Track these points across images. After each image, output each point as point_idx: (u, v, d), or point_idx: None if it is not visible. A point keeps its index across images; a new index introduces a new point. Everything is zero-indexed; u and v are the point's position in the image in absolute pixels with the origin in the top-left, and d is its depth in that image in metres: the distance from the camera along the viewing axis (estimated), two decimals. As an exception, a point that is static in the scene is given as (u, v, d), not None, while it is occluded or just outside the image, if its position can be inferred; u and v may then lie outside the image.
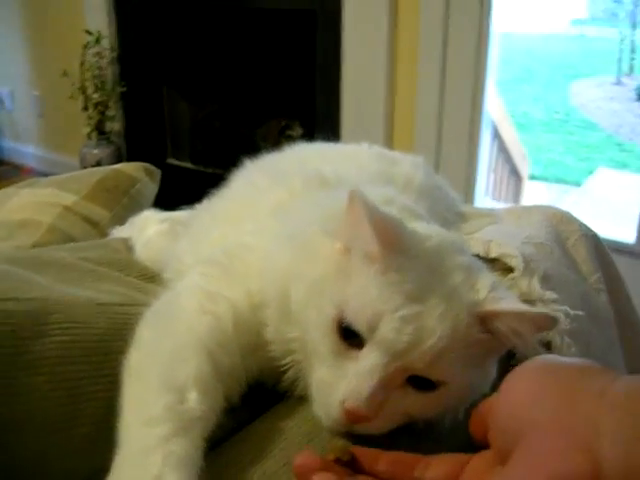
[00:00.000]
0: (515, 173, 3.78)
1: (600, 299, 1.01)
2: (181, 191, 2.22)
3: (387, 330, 0.61)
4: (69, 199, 1.44)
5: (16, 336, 0.63)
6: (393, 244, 0.64)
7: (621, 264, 1.15)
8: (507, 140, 3.53)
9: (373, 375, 0.61)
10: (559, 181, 5.04)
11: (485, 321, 0.65)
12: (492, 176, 3.34)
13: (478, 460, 0.58)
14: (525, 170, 3.92)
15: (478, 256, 0.92)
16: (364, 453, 0.62)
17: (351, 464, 0.61)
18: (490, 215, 1.13)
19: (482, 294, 0.66)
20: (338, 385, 0.63)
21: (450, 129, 2.72)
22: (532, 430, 0.50)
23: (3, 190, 1.54)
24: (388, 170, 0.99)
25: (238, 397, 0.69)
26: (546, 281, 0.89)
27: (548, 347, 0.84)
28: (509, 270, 0.91)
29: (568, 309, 0.85)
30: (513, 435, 0.52)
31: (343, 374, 0.63)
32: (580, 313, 0.85)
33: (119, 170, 1.56)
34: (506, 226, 1.06)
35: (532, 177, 4.33)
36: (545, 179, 4.97)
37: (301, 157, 1.02)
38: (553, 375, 0.54)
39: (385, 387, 0.62)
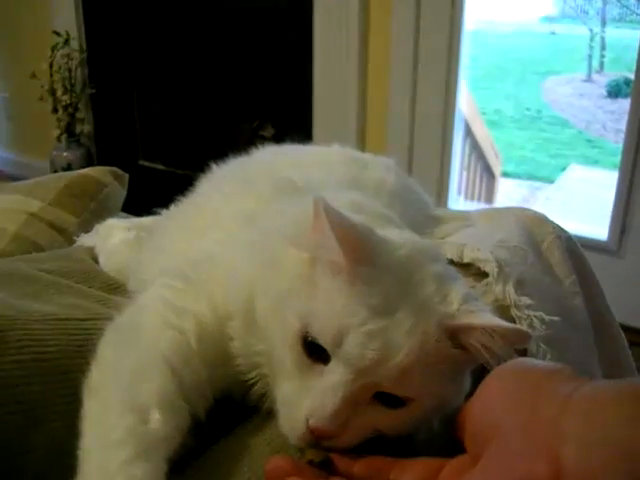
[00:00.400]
0: (488, 171, 3.79)
1: (575, 302, 0.99)
2: (153, 193, 2.19)
3: (352, 345, 0.59)
4: (35, 205, 1.41)
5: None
6: (359, 254, 0.61)
7: (593, 261, 1.13)
8: (479, 138, 3.53)
9: (337, 392, 0.59)
10: (531, 178, 5.06)
11: (455, 335, 0.63)
12: (465, 174, 3.34)
13: (454, 464, 0.57)
14: (498, 168, 3.93)
15: (452, 261, 0.90)
16: (339, 456, 0.61)
17: (326, 466, 0.60)
18: (463, 218, 1.11)
19: (454, 307, 0.63)
20: (302, 401, 0.61)
21: (423, 127, 2.71)
22: (498, 434, 0.50)
23: (-36, 199, 1.50)
24: (359, 174, 0.97)
25: (204, 413, 0.67)
26: (520, 286, 0.88)
27: (524, 354, 0.83)
28: (483, 275, 0.89)
29: (543, 315, 0.84)
30: (482, 438, 0.51)
31: (308, 390, 0.62)
32: (555, 319, 0.83)
33: (86, 175, 1.53)
34: (480, 229, 1.05)
35: (504, 174, 4.35)
36: (517, 176, 4.98)
37: (269, 162, 1.00)
38: (522, 379, 0.54)
39: (350, 404, 0.60)
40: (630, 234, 2.51)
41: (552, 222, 1.08)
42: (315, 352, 0.61)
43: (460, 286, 0.67)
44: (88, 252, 1.06)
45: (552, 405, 0.48)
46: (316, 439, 0.60)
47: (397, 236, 0.68)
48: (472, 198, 3.58)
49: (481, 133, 3.57)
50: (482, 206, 3.47)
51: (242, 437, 0.67)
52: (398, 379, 0.60)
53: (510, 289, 0.86)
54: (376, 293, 0.61)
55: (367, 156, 1.09)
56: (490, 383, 0.55)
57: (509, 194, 4.29)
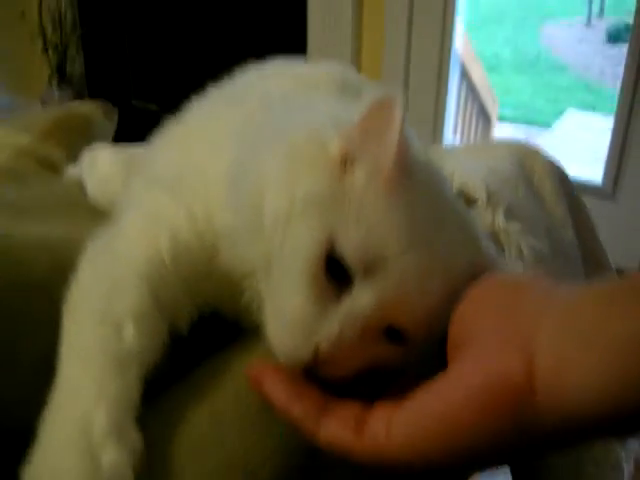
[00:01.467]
0: (484, 114, 3.75)
1: (566, 234, 0.99)
2: (146, 133, 2.15)
3: (387, 276, 0.54)
4: (23, 140, 1.39)
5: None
6: (411, 169, 0.56)
7: (588, 205, 1.13)
8: (476, 81, 3.48)
9: (357, 321, 0.54)
10: (528, 122, 5.02)
11: (480, 272, 0.57)
12: (460, 117, 3.31)
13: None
14: (494, 111, 3.89)
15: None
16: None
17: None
18: (450, 152, 1.10)
19: (479, 242, 0.60)
20: (312, 322, 0.55)
21: (418, 69, 2.67)
22: (475, 336, 0.50)
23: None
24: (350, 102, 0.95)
25: (186, 328, 0.66)
26: (511, 213, 0.87)
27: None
28: (472, 202, 0.88)
29: (533, 241, 0.83)
30: (460, 344, 0.51)
31: (320, 312, 0.55)
32: (544, 246, 0.83)
33: (75, 109, 1.51)
34: (469, 159, 1.04)
35: (501, 118, 4.32)
36: (514, 120, 4.95)
37: (254, 78, 0.96)
38: (502, 286, 0.54)
39: (366, 335, 0.55)
40: (625, 178, 2.50)
41: (544, 154, 1.07)
42: (335, 272, 0.55)
43: (477, 222, 0.64)
44: (74, 180, 1.04)
45: (530, 304, 0.48)
46: (319, 363, 0.55)
47: (418, 154, 0.61)
48: (467, 141, 3.55)
49: (478, 77, 3.52)
50: (478, 150, 3.44)
51: (227, 358, 0.67)
52: (420, 319, 0.56)
53: (499, 216, 0.86)
54: (416, 218, 0.55)
55: (363, 80, 1.04)
56: (470, 293, 0.55)
57: (505, 138, 4.26)
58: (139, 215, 0.70)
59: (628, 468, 1.04)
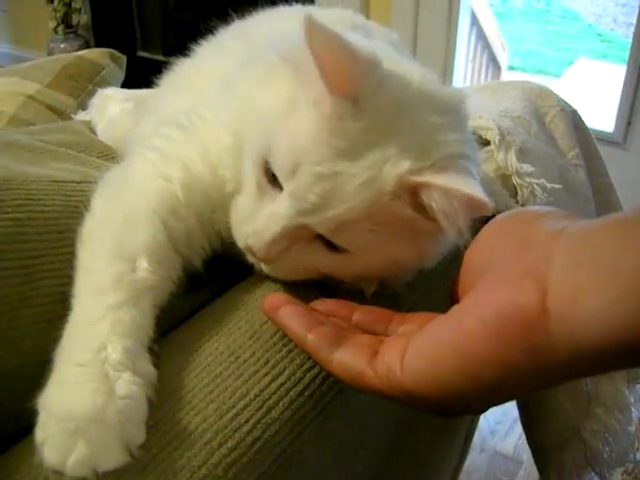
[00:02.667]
0: (494, 62, 3.70)
1: (578, 175, 0.99)
2: (152, 84, 2.14)
3: (299, 183, 0.58)
4: (32, 88, 1.39)
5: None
6: (346, 86, 0.56)
7: (601, 153, 1.12)
8: (486, 29, 3.43)
9: (278, 222, 0.60)
10: (538, 72, 4.95)
11: (416, 194, 0.57)
12: (470, 65, 3.27)
13: None
14: (504, 60, 3.84)
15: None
16: (341, 302, 0.62)
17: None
18: (463, 92, 1.08)
19: (427, 162, 0.57)
20: (250, 218, 0.63)
21: (427, 15, 2.62)
22: (489, 268, 0.50)
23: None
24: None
25: (200, 263, 0.67)
26: (523, 155, 0.87)
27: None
28: (485, 144, 0.88)
29: (545, 182, 0.83)
30: (473, 278, 0.51)
31: (257, 210, 0.62)
32: (557, 186, 0.83)
33: (84, 57, 1.50)
34: (481, 99, 1.03)
35: (511, 68, 4.26)
36: (524, 70, 4.89)
37: (270, 21, 0.95)
38: (516, 220, 0.54)
39: (290, 235, 0.60)
40: (636, 126, 2.49)
41: (557, 95, 1.06)
42: (272, 177, 0.61)
43: (454, 143, 0.60)
44: (85, 125, 1.03)
45: (543, 235, 0.48)
46: (256, 257, 0.63)
47: (411, 71, 0.62)
48: (477, 91, 3.51)
49: (488, 24, 3.47)
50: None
51: (240, 293, 0.68)
52: (335, 229, 0.59)
53: (512, 157, 0.85)
54: (346, 134, 0.56)
55: (371, 24, 1.05)
56: (485, 229, 0.55)
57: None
58: (151, 151, 0.70)
59: (637, 410, 1.05)
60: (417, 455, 0.91)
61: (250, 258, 0.64)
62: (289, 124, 0.59)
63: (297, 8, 1.03)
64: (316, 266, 0.63)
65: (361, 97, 0.56)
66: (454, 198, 0.55)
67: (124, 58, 1.54)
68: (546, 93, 1.05)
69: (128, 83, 1.56)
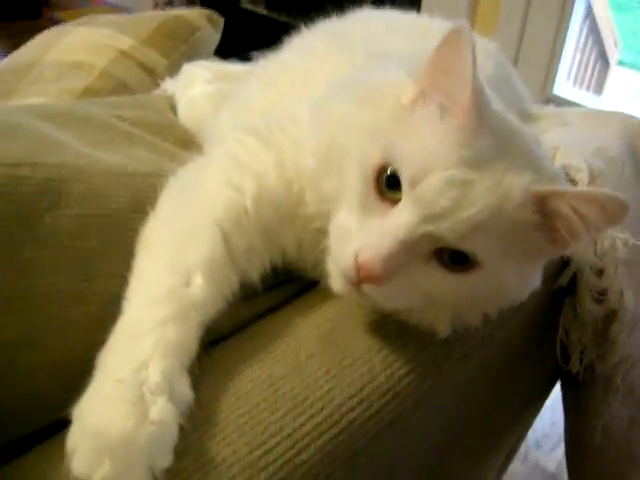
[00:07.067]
0: (603, 57, 3.55)
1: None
2: (253, 37, 2.13)
3: (429, 187, 0.56)
4: (126, 43, 1.39)
5: (29, 207, 0.59)
6: (481, 105, 0.58)
7: None
8: (600, 21, 3.29)
9: (398, 233, 0.56)
10: (650, 71, 4.73)
11: (544, 201, 0.59)
12: (577, 58, 3.14)
13: None
14: (614, 56, 3.67)
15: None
16: None
17: None
18: (560, 116, 1.03)
19: (544, 176, 0.60)
20: (358, 235, 0.59)
21: (539, 3, 2.51)
22: None
23: (55, 28, 1.49)
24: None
25: (258, 278, 0.66)
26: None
27: (600, 275, 0.79)
28: (573, 183, 0.84)
29: (629, 237, 0.78)
30: None
31: (367, 226, 0.59)
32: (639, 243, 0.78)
33: (181, 16, 1.49)
34: (577, 131, 0.98)
35: (621, 63, 4.06)
36: (636, 67, 4.67)
37: (366, 26, 0.93)
38: None
39: (408, 251, 0.57)
40: None
41: (659, 134, 1.00)
42: (390, 186, 0.59)
43: (553, 164, 0.65)
44: (168, 102, 1.03)
45: None
46: (360, 277, 0.57)
47: (502, 110, 0.65)
48: (581, 85, 3.37)
49: (603, 16, 3.31)
50: (590, 95, 3.28)
51: (291, 316, 0.67)
52: (464, 234, 0.57)
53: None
54: (473, 146, 0.57)
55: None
56: None
57: (621, 85, 4.03)
58: (226, 157, 0.69)
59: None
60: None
61: (343, 282, 0.60)
62: (416, 133, 0.59)
63: (391, 13, 1.00)
64: (428, 288, 0.60)
65: (484, 119, 0.58)
66: (592, 201, 0.57)
67: (221, 21, 1.53)
68: (647, 131, 0.99)
69: (229, 33, 1.55)
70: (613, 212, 0.57)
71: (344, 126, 0.63)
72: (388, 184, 0.59)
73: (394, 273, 0.57)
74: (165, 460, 0.50)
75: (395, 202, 0.58)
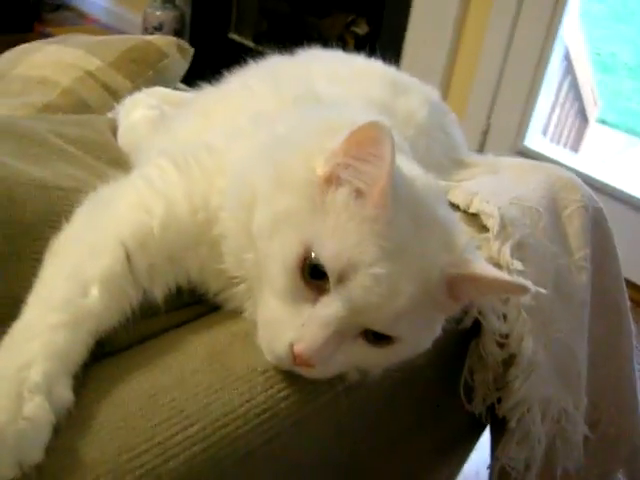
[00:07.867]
0: (582, 115, 3.61)
1: (579, 278, 0.96)
2: (239, 68, 2.14)
3: (357, 286, 0.60)
4: (93, 64, 1.41)
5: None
6: (396, 193, 0.61)
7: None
8: (580, 79, 3.35)
9: (330, 325, 0.61)
10: (630, 132, 4.79)
11: (455, 284, 0.64)
12: (556, 114, 3.19)
13: None
14: (593, 113, 3.73)
15: (458, 207, 0.88)
16: None
17: None
18: (490, 165, 1.07)
19: (456, 254, 0.65)
20: (290, 325, 0.62)
21: (518, 53, 2.55)
22: None
23: (29, 44, 1.52)
24: (392, 99, 0.94)
25: (161, 297, 0.69)
26: (519, 249, 0.85)
27: (504, 319, 0.82)
28: (484, 229, 0.87)
29: (531, 285, 0.81)
30: None
31: (297, 315, 0.62)
32: (543, 291, 0.80)
33: (151, 42, 1.52)
34: (501, 180, 1.01)
35: (602, 121, 4.13)
36: (615, 126, 4.73)
37: (306, 67, 0.97)
38: None
39: (338, 338, 0.62)
40: None
41: (584, 189, 1.03)
42: (315, 277, 0.61)
43: (461, 233, 0.68)
44: (111, 123, 1.06)
45: None
46: (296, 364, 0.62)
47: (407, 169, 0.67)
48: (558, 141, 3.42)
49: (584, 75, 3.38)
50: (566, 152, 3.32)
51: (187, 333, 0.70)
52: (392, 321, 0.62)
53: (506, 250, 0.84)
54: (391, 235, 0.61)
55: (412, 82, 1.05)
56: None
57: (600, 143, 4.08)
58: (142, 180, 0.73)
59: None
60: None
61: (281, 364, 0.64)
62: (332, 215, 0.62)
63: (337, 55, 1.04)
64: (356, 362, 0.66)
65: (398, 200, 0.62)
66: (499, 286, 0.68)
67: (191, 50, 1.56)
68: (572, 185, 1.02)
69: (215, 63, 1.58)
70: (516, 294, 0.70)
71: (259, 200, 0.66)
72: (312, 274, 0.62)
73: (328, 358, 0.62)
74: (35, 456, 0.52)
75: (323, 290, 0.62)
